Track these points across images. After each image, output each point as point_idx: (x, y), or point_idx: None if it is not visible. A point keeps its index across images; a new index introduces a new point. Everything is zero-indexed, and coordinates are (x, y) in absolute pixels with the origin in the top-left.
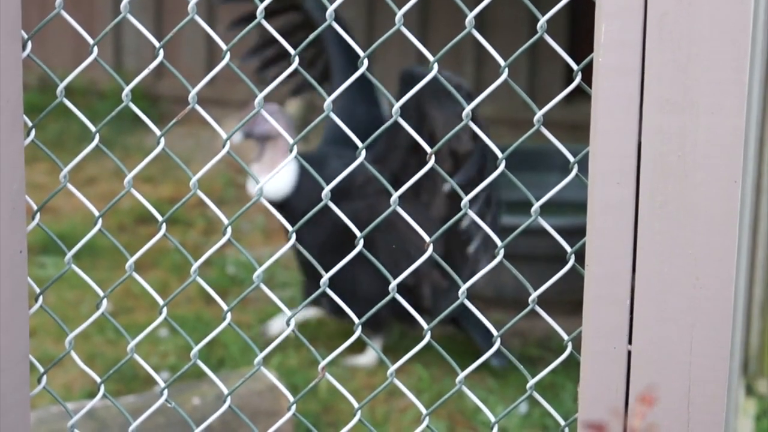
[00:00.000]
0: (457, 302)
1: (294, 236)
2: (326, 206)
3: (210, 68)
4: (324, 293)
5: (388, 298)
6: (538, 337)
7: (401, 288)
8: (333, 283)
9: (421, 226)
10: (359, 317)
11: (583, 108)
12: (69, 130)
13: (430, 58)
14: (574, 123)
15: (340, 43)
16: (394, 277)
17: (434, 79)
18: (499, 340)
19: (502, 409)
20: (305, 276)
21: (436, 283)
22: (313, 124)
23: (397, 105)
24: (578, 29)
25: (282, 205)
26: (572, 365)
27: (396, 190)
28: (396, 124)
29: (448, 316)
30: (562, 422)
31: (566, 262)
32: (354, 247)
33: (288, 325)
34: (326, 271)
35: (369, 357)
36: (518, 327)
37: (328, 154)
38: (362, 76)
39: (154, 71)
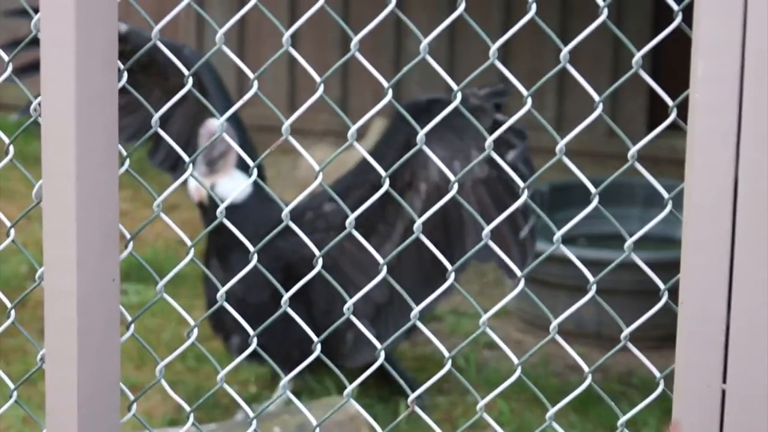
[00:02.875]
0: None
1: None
2: (261, 235)
3: (292, 97)
4: (234, 333)
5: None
6: (620, 372)
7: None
8: (257, 322)
9: (367, 270)
10: (280, 358)
11: (663, 142)
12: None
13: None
14: (656, 157)
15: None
16: (328, 317)
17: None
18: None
19: None
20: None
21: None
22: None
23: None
24: (660, 63)
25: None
26: (653, 401)
27: (357, 228)
28: (368, 163)
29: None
30: None
31: (650, 297)
32: (286, 285)
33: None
34: (253, 308)
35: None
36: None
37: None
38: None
39: (235, 99)
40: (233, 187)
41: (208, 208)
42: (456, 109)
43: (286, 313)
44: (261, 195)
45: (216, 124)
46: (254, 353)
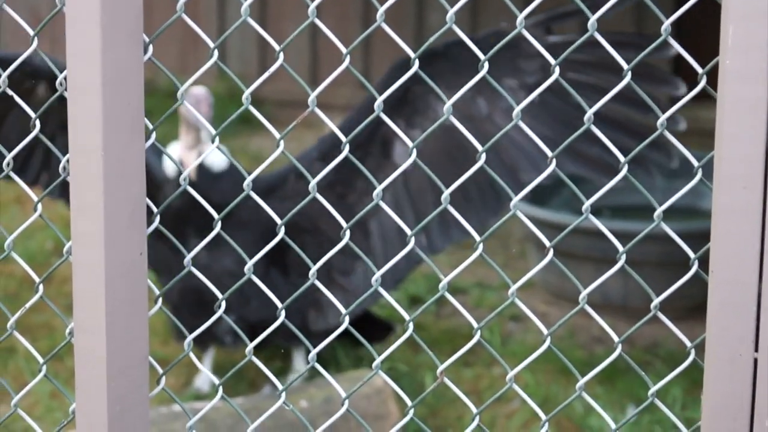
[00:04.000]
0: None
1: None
2: (250, 205)
3: (314, 71)
4: (226, 312)
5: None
6: (646, 343)
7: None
8: (251, 296)
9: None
10: (279, 330)
11: (687, 112)
12: (173, 133)
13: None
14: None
15: None
16: (305, 279)
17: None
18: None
19: (610, 415)
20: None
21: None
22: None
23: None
24: (683, 36)
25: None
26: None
27: (334, 187)
28: (351, 120)
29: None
30: (684, 430)
31: (675, 268)
32: (270, 252)
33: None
34: (247, 282)
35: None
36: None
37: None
38: None
39: (257, 75)
40: (215, 156)
41: (198, 180)
42: (483, 47)
43: (270, 283)
44: (233, 165)
45: (202, 92)
46: (239, 334)
